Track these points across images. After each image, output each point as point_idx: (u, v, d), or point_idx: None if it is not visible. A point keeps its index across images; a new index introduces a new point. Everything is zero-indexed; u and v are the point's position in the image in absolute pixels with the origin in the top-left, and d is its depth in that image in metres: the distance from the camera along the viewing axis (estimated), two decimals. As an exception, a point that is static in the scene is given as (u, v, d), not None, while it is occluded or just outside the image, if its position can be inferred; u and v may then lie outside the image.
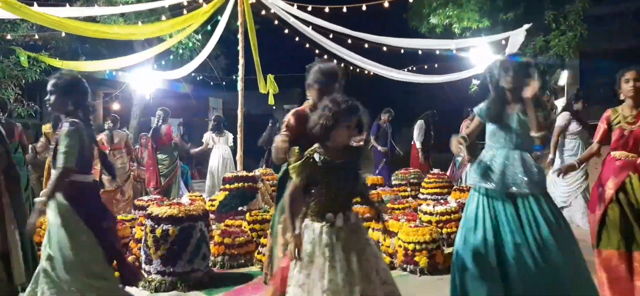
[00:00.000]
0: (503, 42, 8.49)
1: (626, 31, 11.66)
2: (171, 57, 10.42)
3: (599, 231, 3.26)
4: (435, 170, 7.41)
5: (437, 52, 9.77)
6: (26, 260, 3.47)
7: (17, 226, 3.44)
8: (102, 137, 7.24)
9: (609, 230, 3.21)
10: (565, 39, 10.58)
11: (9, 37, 8.32)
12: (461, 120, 8.80)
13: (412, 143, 9.47)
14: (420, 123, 9.31)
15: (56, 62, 8.58)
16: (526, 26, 7.73)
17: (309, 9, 7.81)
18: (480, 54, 9.28)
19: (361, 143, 2.46)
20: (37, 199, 2.84)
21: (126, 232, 5.08)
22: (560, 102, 13.06)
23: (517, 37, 7.86)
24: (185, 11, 7.95)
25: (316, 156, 2.36)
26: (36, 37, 8.90)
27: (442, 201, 5.73)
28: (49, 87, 3.01)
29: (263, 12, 8.35)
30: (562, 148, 5.96)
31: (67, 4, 7.02)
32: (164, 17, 8.24)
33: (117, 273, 3.11)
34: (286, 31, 8.71)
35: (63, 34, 8.60)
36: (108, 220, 3.09)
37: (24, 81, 8.87)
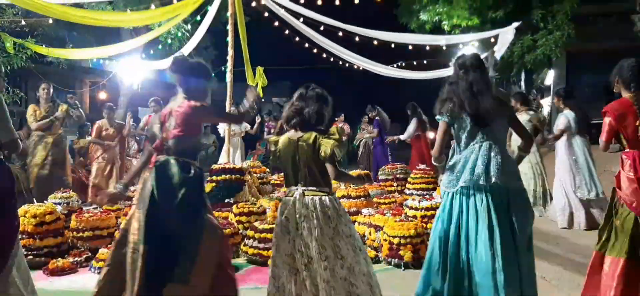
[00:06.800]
0: (492, 39, 8.56)
1: (611, 32, 11.82)
2: (160, 46, 10.32)
3: None
4: (422, 166, 7.44)
5: (427, 48, 9.82)
6: None
7: None
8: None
9: None
10: (552, 38, 10.71)
11: (-6, 22, 8.19)
12: None
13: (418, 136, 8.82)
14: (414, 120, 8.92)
15: (42, 49, 8.47)
16: (515, 24, 7.79)
17: (301, 1, 7.79)
18: (469, 51, 9.32)
19: None
20: None
21: (111, 222, 5.06)
22: (546, 101, 13.22)
23: (506, 35, 7.93)
24: (174, 0, 7.87)
25: None
26: (23, 23, 8.76)
27: (427, 196, 5.77)
28: None
29: (253, 4, 8.30)
30: None
31: (53, -12, 6.90)
32: (152, 6, 8.14)
33: None
34: (276, 23, 8.68)
35: (50, 21, 8.48)
36: None
37: (9, 68, 8.74)
